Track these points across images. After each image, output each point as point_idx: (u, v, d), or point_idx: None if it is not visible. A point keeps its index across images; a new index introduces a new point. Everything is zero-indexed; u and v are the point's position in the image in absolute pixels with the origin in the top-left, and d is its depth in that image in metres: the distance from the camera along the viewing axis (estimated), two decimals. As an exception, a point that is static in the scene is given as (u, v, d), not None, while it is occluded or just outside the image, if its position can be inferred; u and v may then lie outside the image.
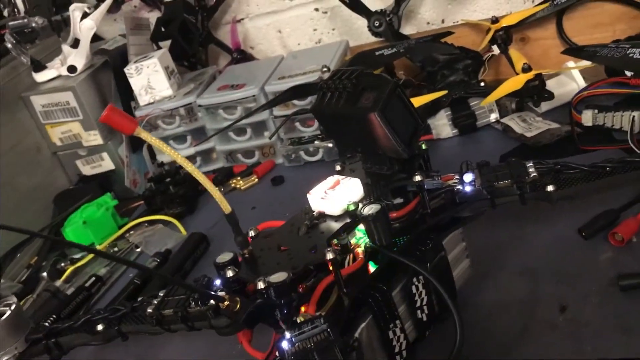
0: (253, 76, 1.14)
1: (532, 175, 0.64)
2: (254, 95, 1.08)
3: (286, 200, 1.02)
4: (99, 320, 0.64)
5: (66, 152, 1.15)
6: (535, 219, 0.76)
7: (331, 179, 0.64)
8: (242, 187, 1.09)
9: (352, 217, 0.59)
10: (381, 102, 0.58)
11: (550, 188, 0.64)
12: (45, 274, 0.97)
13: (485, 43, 1.05)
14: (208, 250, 0.95)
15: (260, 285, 0.51)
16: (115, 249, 1.00)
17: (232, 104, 1.09)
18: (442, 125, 1.02)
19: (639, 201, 0.73)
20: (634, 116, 0.85)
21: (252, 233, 0.62)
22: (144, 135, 0.52)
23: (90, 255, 0.99)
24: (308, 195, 0.63)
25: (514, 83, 0.87)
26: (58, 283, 0.95)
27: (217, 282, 0.59)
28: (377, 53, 1.04)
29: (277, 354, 0.55)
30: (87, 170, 1.16)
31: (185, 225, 1.02)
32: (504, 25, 1.05)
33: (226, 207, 0.56)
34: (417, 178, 0.62)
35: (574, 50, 0.95)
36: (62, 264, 0.98)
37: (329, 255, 0.52)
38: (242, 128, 1.12)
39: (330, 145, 1.06)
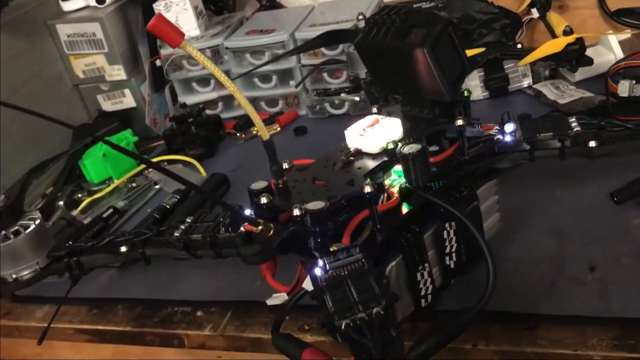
0: (282, 23, 1.11)
1: (575, 129, 0.63)
2: (283, 41, 1.06)
3: (308, 150, 1.00)
4: (123, 242, 0.63)
5: (88, 86, 1.13)
6: (571, 177, 0.75)
7: (370, 118, 0.63)
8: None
9: (389, 156, 0.58)
10: (431, 39, 0.57)
11: (592, 144, 0.62)
12: (61, 202, 0.96)
13: (524, 5, 1.02)
14: (228, 192, 0.94)
15: (296, 212, 0.50)
16: (134, 184, 1.00)
17: (260, 48, 1.07)
18: (474, 87, 1.00)
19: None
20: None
21: (286, 165, 0.61)
22: (190, 49, 0.50)
23: (108, 188, 0.98)
24: (345, 131, 0.61)
25: (555, 45, 0.85)
26: (74, 213, 0.94)
27: (247, 211, 0.58)
28: (414, 6, 1.01)
29: (303, 286, 0.54)
30: (107, 105, 1.15)
31: (205, 168, 1.01)
32: (545, -13, 1.02)
33: (265, 134, 0.55)
34: (459, 122, 0.61)
35: (624, 12, 0.93)
36: (79, 195, 0.97)
37: (367, 189, 0.51)
38: (268, 75, 1.10)
39: (357, 99, 1.05)
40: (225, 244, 0.56)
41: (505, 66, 0.98)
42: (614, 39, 0.96)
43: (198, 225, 0.58)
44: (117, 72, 1.10)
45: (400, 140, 0.60)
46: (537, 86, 0.98)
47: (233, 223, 0.54)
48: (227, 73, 1.11)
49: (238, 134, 1.09)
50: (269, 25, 1.11)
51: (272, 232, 0.51)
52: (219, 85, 1.13)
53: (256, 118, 0.55)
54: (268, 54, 1.07)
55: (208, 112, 1.13)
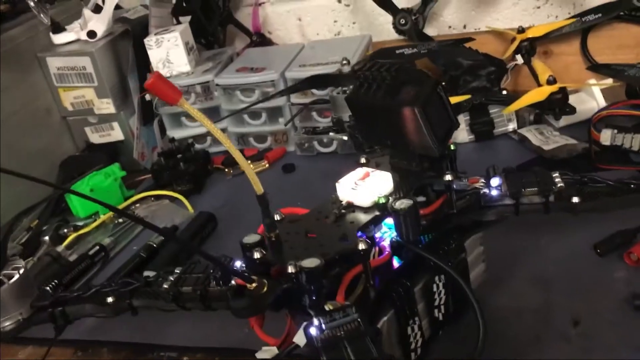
0: (272, 61, 1.13)
1: (559, 185, 0.64)
2: (273, 80, 1.07)
3: (296, 188, 1.01)
4: (109, 292, 0.62)
5: (76, 118, 1.13)
6: (554, 230, 0.76)
7: (360, 170, 0.64)
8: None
9: (381, 210, 0.59)
10: (423, 98, 0.58)
11: (575, 199, 0.64)
12: (47, 238, 0.95)
13: (510, 52, 1.05)
14: (216, 230, 0.94)
15: (291, 269, 0.51)
16: (120, 220, 0.99)
17: (250, 86, 1.08)
18: (460, 130, 1.02)
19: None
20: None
21: (277, 217, 0.62)
22: (187, 107, 0.51)
23: (94, 224, 0.97)
24: (337, 184, 0.62)
25: (538, 94, 0.87)
26: (59, 249, 0.93)
27: (238, 263, 0.58)
28: (397, 51, 1.03)
29: (294, 340, 0.54)
30: (95, 138, 1.15)
31: (193, 204, 1.01)
32: (530, 36, 1.05)
33: (259, 188, 0.55)
34: (448, 177, 0.62)
35: (600, 67, 0.96)
36: (65, 230, 0.97)
37: (362, 246, 0.52)
38: (258, 112, 1.11)
39: (345, 138, 1.06)
40: (216, 298, 0.56)
41: (491, 111, 1.00)
42: (596, 88, 0.99)
43: (188, 277, 0.58)
44: (106, 106, 1.11)
45: (390, 194, 0.61)
46: (521, 131, 1.01)
47: (224, 276, 0.55)
48: (216, 109, 1.12)
49: (226, 170, 1.09)
50: (260, 63, 1.12)
51: (265, 288, 0.52)
52: (209, 118, 1.14)
53: (251, 173, 0.56)
54: (258, 91, 1.08)
55: (197, 146, 1.14)
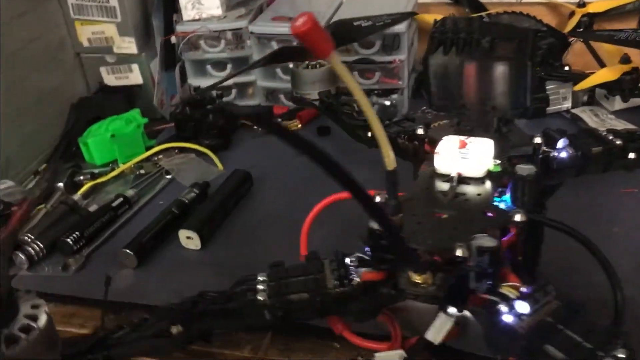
0: (310, 11, 1.04)
1: (617, 142, 0.60)
2: (314, 33, 0.98)
3: (334, 153, 0.94)
4: (174, 319, 0.49)
5: (92, 56, 1.03)
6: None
7: (453, 139, 0.57)
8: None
9: (494, 179, 0.52)
10: (529, 51, 0.53)
11: (632, 155, 0.62)
12: (61, 184, 0.86)
13: (571, 26, 0.99)
14: (250, 191, 0.86)
15: (461, 252, 0.44)
16: (142, 171, 0.91)
17: (287, 37, 1.00)
18: (511, 105, 0.96)
19: None
20: None
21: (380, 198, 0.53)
22: (337, 62, 0.42)
23: (113, 173, 0.89)
24: (435, 154, 0.55)
25: (611, 72, 0.81)
26: (75, 197, 0.85)
27: (352, 260, 0.50)
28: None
29: (427, 337, 0.48)
30: (111, 80, 1.05)
31: (221, 161, 0.93)
32: (590, 11, 0.99)
33: (390, 163, 0.47)
34: (537, 140, 0.57)
35: (587, 33, 0.90)
36: (81, 177, 0.88)
37: (519, 217, 0.46)
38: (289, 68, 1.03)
39: (387, 103, 0.99)
40: (338, 301, 0.48)
41: (548, 87, 0.95)
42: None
43: (291, 282, 0.48)
44: (127, 45, 1.01)
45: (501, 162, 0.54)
46: (575, 111, 0.95)
47: (345, 269, 0.47)
48: (246, 59, 1.04)
49: (255, 127, 1.01)
50: (295, 13, 1.03)
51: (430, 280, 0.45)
52: (237, 70, 1.05)
53: (385, 145, 0.47)
54: (296, 43, 1.00)
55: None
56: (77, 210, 0.81)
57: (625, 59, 0.83)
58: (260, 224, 0.80)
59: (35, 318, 0.43)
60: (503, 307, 0.44)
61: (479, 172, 0.53)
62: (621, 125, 0.92)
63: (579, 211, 0.72)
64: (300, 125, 1.01)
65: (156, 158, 0.93)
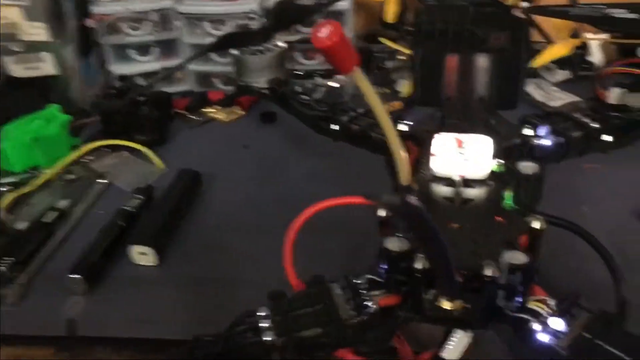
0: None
1: (595, 126, 0.61)
2: (250, 12, 0.91)
3: (282, 141, 0.88)
4: None
5: (-6, 44, 0.90)
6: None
7: (447, 138, 0.53)
8: (224, 120, 0.93)
9: (496, 180, 0.49)
10: (524, 43, 0.50)
11: (607, 138, 0.62)
12: (-22, 200, 0.75)
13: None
14: (198, 193, 0.79)
15: (491, 272, 0.40)
16: (72, 176, 0.80)
17: (221, 17, 0.91)
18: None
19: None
20: (666, 101, 0.84)
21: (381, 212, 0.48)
22: (360, 78, 0.36)
23: (38, 181, 0.78)
24: (431, 157, 0.51)
25: (565, 47, 0.81)
26: (-2, 213, 0.74)
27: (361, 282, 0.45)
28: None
29: (441, 356, 0.44)
30: (19, 71, 0.91)
31: (159, 157, 0.85)
32: (530, -17, 0.98)
33: (405, 179, 0.42)
34: (526, 131, 0.55)
35: (539, 9, 0.90)
36: (1, 189, 0.77)
37: (537, 224, 0.43)
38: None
39: (336, 85, 0.94)
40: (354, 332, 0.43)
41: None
42: (595, 43, 0.95)
43: (301, 314, 0.43)
44: (37, 31, 0.88)
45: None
46: (521, 85, 0.95)
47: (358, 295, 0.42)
48: (174, 43, 0.95)
49: (192, 116, 0.93)
50: (226, -11, 0.95)
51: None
52: (164, 53, 0.96)
53: (402, 160, 0.42)
54: (231, 23, 0.92)
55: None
56: (3, 230, 0.70)
57: (576, 34, 0.83)
58: (218, 228, 0.73)
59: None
60: (536, 326, 0.41)
61: (483, 174, 0.49)
62: (566, 97, 0.92)
63: (546, 192, 0.72)
64: (243, 113, 0.94)
65: (86, 160, 0.83)
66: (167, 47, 0.95)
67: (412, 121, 0.58)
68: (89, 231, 0.71)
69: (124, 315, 0.61)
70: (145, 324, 0.61)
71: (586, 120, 0.63)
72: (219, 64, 0.96)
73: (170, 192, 0.75)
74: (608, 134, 0.62)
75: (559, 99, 0.92)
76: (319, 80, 0.94)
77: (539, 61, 0.84)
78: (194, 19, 0.92)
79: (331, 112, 0.68)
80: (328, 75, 0.94)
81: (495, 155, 0.51)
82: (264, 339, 0.42)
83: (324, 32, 0.34)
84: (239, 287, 0.64)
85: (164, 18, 0.93)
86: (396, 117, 0.59)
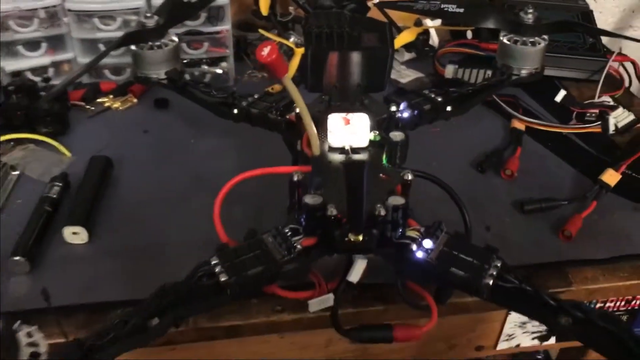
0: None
1: (438, 99, 0.79)
2: (138, 8, 0.99)
3: (180, 125, 0.98)
4: (152, 312, 0.53)
5: None
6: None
7: (337, 117, 0.67)
8: (119, 108, 1.01)
9: (375, 146, 0.65)
10: (390, 41, 0.67)
11: (449, 108, 0.80)
12: None
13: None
14: (110, 177, 0.87)
15: (382, 211, 0.55)
16: (-18, 170, 0.85)
17: (110, 13, 0.99)
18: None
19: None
20: (489, 74, 1.06)
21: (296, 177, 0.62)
22: (288, 82, 0.49)
23: (-50, 178, 0.82)
24: (328, 133, 0.65)
25: (410, 34, 0.99)
26: None
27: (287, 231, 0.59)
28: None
29: (348, 279, 0.60)
30: None
31: (64, 147, 0.91)
32: (377, -23, 1.15)
33: (316, 150, 0.56)
34: (393, 108, 0.72)
35: (390, 4, 1.10)
36: None
37: (409, 176, 0.60)
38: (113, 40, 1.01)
39: (219, 71, 1.05)
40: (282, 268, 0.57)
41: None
42: (433, 30, 1.16)
43: (245, 259, 0.56)
44: None
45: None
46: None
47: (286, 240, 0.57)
48: (62, 37, 1.00)
49: (87, 106, 1.00)
50: (109, -14, 1.02)
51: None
52: (51, 48, 1.01)
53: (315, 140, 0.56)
54: (120, 20, 0.99)
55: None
56: None
57: (419, 22, 1.02)
58: (136, 204, 0.82)
59: (35, 344, 0.45)
60: (413, 247, 0.58)
61: (365, 143, 0.65)
62: (412, 74, 1.12)
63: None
64: (135, 100, 1.02)
65: (-6, 155, 0.87)
66: (56, 42, 1.00)
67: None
68: (15, 219, 0.78)
69: (68, 287, 0.70)
70: (89, 291, 0.70)
71: (433, 95, 0.80)
72: (110, 56, 1.02)
73: (87, 177, 0.83)
74: (449, 104, 0.81)
75: (407, 75, 1.11)
76: (205, 67, 1.05)
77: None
78: (84, 15, 0.98)
79: (231, 98, 0.80)
80: (213, 63, 1.05)
81: (372, 128, 0.67)
82: (221, 279, 0.55)
83: (265, 51, 0.47)
84: (165, 251, 0.75)
85: (52, 15, 0.97)
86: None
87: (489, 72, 1.04)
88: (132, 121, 0.99)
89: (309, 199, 0.57)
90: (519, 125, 0.98)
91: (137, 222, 0.80)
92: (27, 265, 0.71)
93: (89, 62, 0.78)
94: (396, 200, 0.57)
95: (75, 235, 0.75)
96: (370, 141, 0.66)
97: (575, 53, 1.11)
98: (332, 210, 0.56)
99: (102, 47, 1.02)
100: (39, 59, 1.01)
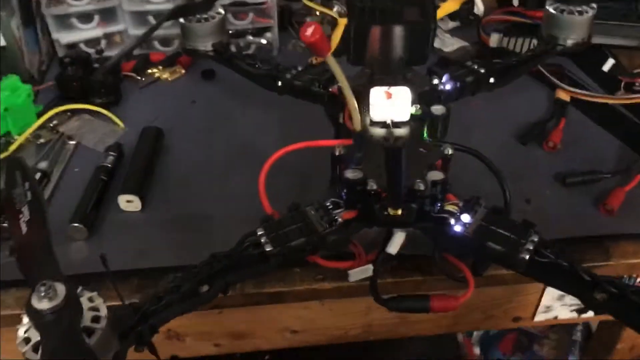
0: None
1: (482, 71, 0.79)
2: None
3: (226, 96, 1.01)
4: (203, 279, 0.56)
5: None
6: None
7: (379, 91, 0.69)
8: (168, 79, 1.04)
9: (416, 120, 0.66)
10: (433, 16, 0.67)
11: (492, 80, 0.80)
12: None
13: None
14: (163, 146, 0.91)
15: (421, 186, 0.57)
16: (42, 140, 0.90)
17: (159, -16, 1.01)
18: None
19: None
20: (534, 43, 1.04)
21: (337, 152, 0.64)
22: (331, 61, 0.51)
23: (13, 146, 0.87)
24: (371, 106, 0.67)
25: (453, 4, 0.98)
26: (-19, 178, 0.82)
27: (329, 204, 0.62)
28: None
29: (387, 251, 0.62)
30: (-36, 44, 0.97)
31: (118, 118, 0.95)
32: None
33: (357, 125, 0.58)
34: (435, 81, 0.73)
35: None
36: (-25, 154, 0.85)
37: (449, 151, 0.62)
38: (162, 12, 1.04)
39: (264, 41, 1.07)
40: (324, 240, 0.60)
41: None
42: (478, -2, 1.14)
43: (288, 231, 0.59)
44: (-18, 4, 0.94)
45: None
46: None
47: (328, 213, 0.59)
48: (113, 10, 1.03)
49: (138, 77, 1.03)
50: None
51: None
52: (103, 20, 1.04)
53: (357, 114, 0.58)
54: (168, -8, 1.02)
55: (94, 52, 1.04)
56: (-6, 192, 0.80)
57: (461, -9, 1.01)
58: (188, 177, 0.85)
59: (96, 309, 0.49)
60: (452, 220, 0.60)
61: (406, 117, 0.66)
62: (456, 42, 1.11)
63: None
64: (184, 71, 1.05)
65: (51, 124, 0.92)
66: (108, 14, 1.03)
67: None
68: (73, 187, 0.82)
69: (123, 252, 0.74)
70: (142, 257, 0.74)
71: (476, 67, 0.81)
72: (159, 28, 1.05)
73: (140, 147, 0.87)
74: (492, 76, 0.81)
75: (451, 44, 1.10)
76: (249, 38, 1.07)
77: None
78: (133, -12, 1.01)
79: (275, 70, 0.82)
80: (257, 33, 1.07)
81: (414, 102, 0.68)
82: (266, 249, 0.58)
83: (309, 31, 0.49)
84: (214, 220, 0.79)
85: (104, -12, 1.01)
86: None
87: (535, 41, 1.03)
88: (181, 92, 1.02)
89: (349, 174, 0.59)
90: (563, 95, 0.97)
91: (188, 193, 0.83)
92: (85, 231, 0.75)
93: (141, 35, 0.81)
94: (435, 175, 0.59)
95: (129, 203, 0.79)
96: (412, 115, 0.67)
97: (626, 20, 1.08)
98: (372, 185, 0.58)
99: (151, 19, 1.04)
100: (92, 31, 1.04)
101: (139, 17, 1.04)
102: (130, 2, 1.02)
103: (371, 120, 0.67)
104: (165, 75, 1.04)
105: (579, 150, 0.89)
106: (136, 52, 1.08)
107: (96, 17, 1.04)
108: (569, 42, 0.87)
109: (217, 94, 1.02)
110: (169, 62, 1.06)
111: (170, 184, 0.85)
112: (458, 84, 0.78)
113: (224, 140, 0.93)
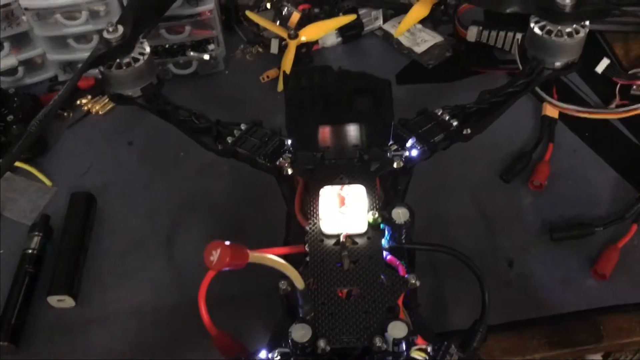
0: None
1: (454, 124, 0.67)
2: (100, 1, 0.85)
3: (166, 133, 0.87)
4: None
5: None
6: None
7: (330, 193, 0.57)
8: (100, 112, 0.91)
9: (375, 228, 0.56)
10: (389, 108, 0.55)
11: (468, 130, 0.68)
12: None
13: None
14: (96, 214, 0.80)
15: (380, 344, 0.48)
16: (-43, 215, 0.79)
17: (73, 8, 0.85)
18: (328, 35, 0.96)
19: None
20: (518, 38, 0.90)
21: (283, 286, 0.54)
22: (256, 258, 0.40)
23: None
24: (320, 222, 0.56)
25: (423, 8, 0.84)
26: None
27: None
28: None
29: None
30: None
31: (42, 172, 0.83)
32: None
33: (301, 284, 0.47)
34: (396, 165, 0.62)
35: None
36: None
37: (414, 280, 0.52)
38: (87, 36, 0.89)
39: (206, 57, 0.92)
40: None
41: (360, 12, 0.95)
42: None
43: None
44: None
45: (374, 209, 0.57)
46: (385, 27, 0.99)
47: None
48: (25, 35, 0.89)
49: (65, 114, 0.90)
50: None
51: None
52: (15, 46, 0.89)
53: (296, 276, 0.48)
54: (85, 14, 0.86)
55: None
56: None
57: (432, -7, 0.85)
58: (125, 254, 0.75)
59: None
60: None
61: (362, 228, 0.56)
62: (429, 37, 0.97)
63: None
64: (117, 102, 0.92)
65: (-32, 192, 0.80)
66: (19, 40, 0.89)
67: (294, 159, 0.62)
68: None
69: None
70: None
71: (447, 117, 0.68)
72: (80, 51, 0.90)
73: (68, 224, 0.76)
74: (467, 127, 0.68)
75: (424, 41, 0.96)
76: (190, 54, 0.92)
77: (401, 28, 0.87)
78: (45, 13, 0.85)
79: (215, 129, 0.70)
80: (198, 47, 0.92)
81: (372, 204, 0.57)
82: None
83: (215, 255, 0.37)
84: (159, 313, 0.70)
85: (10, 14, 0.85)
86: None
87: (519, 36, 0.89)
88: (115, 129, 0.89)
89: (296, 333, 0.50)
90: (551, 112, 0.85)
91: (128, 277, 0.74)
92: (13, 348, 0.67)
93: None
94: (398, 329, 0.49)
95: (60, 301, 0.70)
96: (369, 224, 0.56)
97: (620, 3, 0.94)
98: (323, 346, 0.49)
99: (71, 42, 0.89)
100: (4, 60, 0.89)
101: (58, 41, 0.89)
102: (43, 28, 0.87)
103: (323, 233, 0.57)
104: (97, 108, 0.90)
105: (569, 188, 0.79)
106: (61, 78, 0.94)
107: (6, 45, 0.89)
108: (558, 65, 0.74)
109: (156, 129, 0.88)
110: (100, 89, 0.92)
111: (106, 267, 0.74)
112: (426, 148, 0.66)
113: (165, 194, 0.82)
